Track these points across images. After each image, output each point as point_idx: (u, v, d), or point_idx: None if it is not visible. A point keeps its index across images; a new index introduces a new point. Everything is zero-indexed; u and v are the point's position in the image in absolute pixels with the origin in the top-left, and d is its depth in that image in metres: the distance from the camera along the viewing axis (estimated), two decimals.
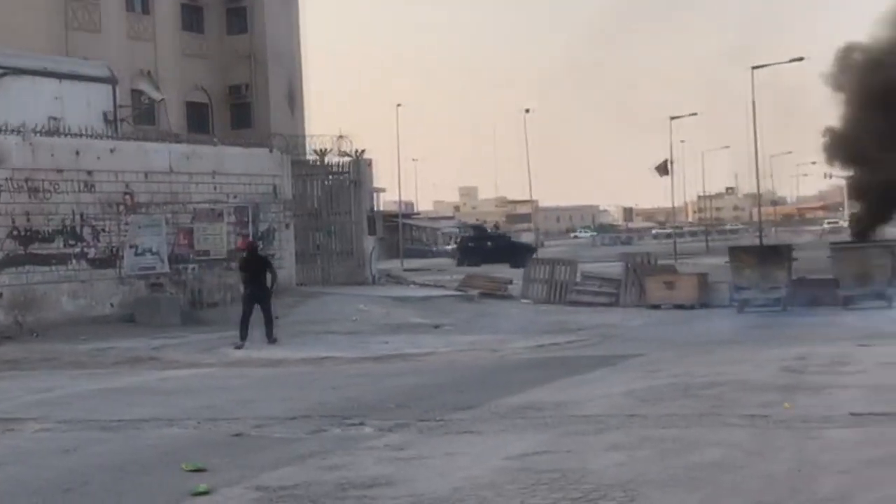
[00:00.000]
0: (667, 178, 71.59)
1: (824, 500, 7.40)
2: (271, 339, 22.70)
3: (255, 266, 23.21)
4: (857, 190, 36.81)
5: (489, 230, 78.20)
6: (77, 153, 26.84)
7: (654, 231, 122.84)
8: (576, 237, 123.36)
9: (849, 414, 10.66)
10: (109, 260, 27.38)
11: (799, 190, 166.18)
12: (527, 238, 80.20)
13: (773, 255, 30.31)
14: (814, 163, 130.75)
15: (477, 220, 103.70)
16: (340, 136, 35.78)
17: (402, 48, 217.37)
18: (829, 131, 34.78)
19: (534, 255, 45.02)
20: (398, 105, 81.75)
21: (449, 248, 78.04)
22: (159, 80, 46.60)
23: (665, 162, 71.00)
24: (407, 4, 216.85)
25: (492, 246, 65.04)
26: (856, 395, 11.91)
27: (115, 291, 27.43)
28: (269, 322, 22.88)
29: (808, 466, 8.49)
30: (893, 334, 16.92)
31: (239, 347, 21.86)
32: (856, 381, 13.07)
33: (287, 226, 31.63)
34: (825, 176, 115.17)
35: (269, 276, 23.08)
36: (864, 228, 33.69)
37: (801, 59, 50.66)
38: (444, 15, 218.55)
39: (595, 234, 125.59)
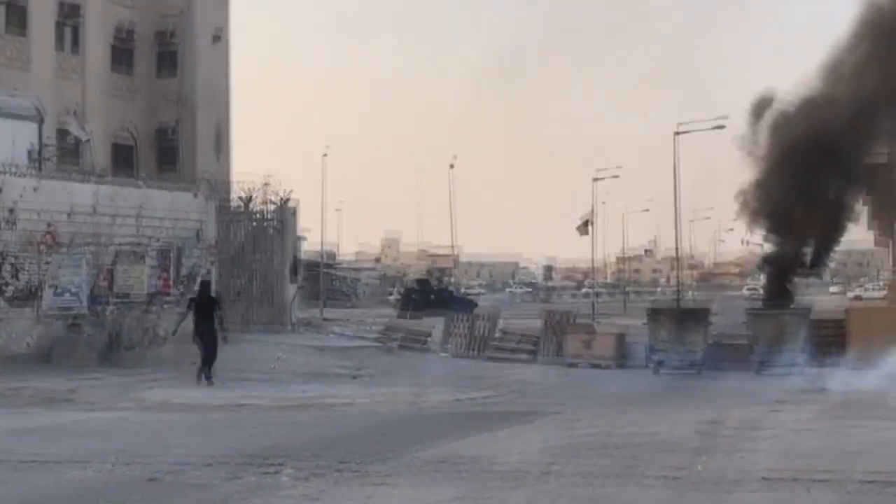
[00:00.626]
0: (588, 237, 72.42)
1: None
2: (208, 379, 22.98)
3: (206, 306, 23.67)
4: (767, 258, 37.66)
5: (433, 283, 79.34)
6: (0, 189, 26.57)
7: (584, 289, 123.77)
8: (511, 292, 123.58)
9: (760, 478, 10.85)
10: (28, 298, 27.05)
11: (717, 254, 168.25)
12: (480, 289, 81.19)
13: (690, 318, 30.70)
14: (731, 229, 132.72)
15: (428, 271, 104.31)
16: (266, 182, 35.82)
17: (332, 95, 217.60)
18: (743, 194, 35.51)
19: (475, 310, 45.41)
20: (324, 154, 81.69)
21: (391, 297, 78.46)
22: (86, 118, 46.27)
23: (587, 221, 71.84)
24: (338, 50, 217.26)
25: (434, 299, 66.49)
26: (767, 459, 12.11)
27: (33, 330, 27.08)
28: (209, 362, 23.17)
29: None
30: (805, 399, 17.23)
31: (211, 384, 22.67)
32: (768, 445, 13.29)
33: (209, 270, 31.48)
34: (742, 242, 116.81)
35: (217, 317, 23.48)
36: (776, 293, 34.37)
37: (722, 126, 51.53)
38: (377, 61, 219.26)
39: (528, 289, 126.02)
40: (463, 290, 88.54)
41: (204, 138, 52.69)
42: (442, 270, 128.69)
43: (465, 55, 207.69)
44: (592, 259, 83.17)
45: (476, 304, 62.74)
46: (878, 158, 43.24)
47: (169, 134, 52.24)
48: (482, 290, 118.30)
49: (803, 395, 17.85)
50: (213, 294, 25.45)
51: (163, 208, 30.33)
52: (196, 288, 26.28)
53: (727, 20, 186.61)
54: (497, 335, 34.36)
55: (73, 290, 27.77)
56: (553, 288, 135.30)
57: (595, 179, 77.60)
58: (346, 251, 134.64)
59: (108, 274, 28.73)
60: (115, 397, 20.86)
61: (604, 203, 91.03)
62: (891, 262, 59.51)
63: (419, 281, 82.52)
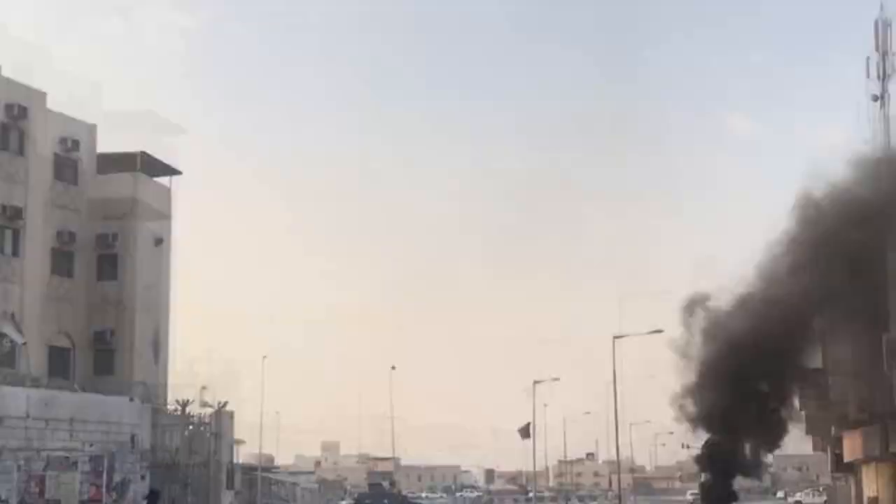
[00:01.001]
0: (528, 441, 72.28)
1: None
2: None
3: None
4: (701, 459, 37.53)
5: (385, 488, 78.96)
6: None
7: (529, 494, 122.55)
8: (462, 496, 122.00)
9: None
10: None
11: (657, 459, 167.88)
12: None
13: None
14: (671, 433, 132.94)
15: (389, 480, 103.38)
16: (203, 387, 35.60)
17: (271, 301, 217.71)
18: (680, 397, 35.61)
19: None
20: (264, 357, 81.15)
21: (343, 502, 77.65)
22: (24, 322, 45.96)
23: (527, 425, 71.78)
24: (282, 257, 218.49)
25: (388, 503, 67.42)
26: None
27: None
28: None
29: None
30: None
31: None
32: None
33: (143, 477, 30.98)
34: (682, 446, 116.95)
35: None
36: (720, 497, 34.21)
37: (660, 331, 52.13)
38: (315, 270, 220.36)
39: (479, 493, 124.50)
40: (422, 495, 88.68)
41: (142, 342, 52.39)
42: (386, 475, 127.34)
43: (398, 263, 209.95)
44: (534, 463, 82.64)
45: None
46: (813, 363, 43.93)
47: (107, 337, 51.86)
48: (441, 494, 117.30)
49: None
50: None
51: (97, 414, 30.02)
52: (144, 498, 27.18)
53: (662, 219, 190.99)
54: None
55: (3, 498, 27.18)
56: (497, 492, 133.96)
57: (535, 383, 77.84)
58: (284, 460, 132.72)
59: (39, 481, 28.19)
60: None
61: (545, 406, 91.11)
62: (829, 469, 59.67)
63: (372, 486, 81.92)
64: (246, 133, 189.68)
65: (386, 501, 68.11)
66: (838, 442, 51.91)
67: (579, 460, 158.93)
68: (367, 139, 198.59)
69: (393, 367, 77.26)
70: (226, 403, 35.18)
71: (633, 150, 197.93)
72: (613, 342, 57.50)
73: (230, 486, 34.71)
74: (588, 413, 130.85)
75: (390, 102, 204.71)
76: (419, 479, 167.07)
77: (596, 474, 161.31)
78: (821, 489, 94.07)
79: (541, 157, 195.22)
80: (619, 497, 63.27)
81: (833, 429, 50.61)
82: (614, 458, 74.64)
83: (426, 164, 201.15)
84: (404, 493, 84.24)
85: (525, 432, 71.23)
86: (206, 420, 34.98)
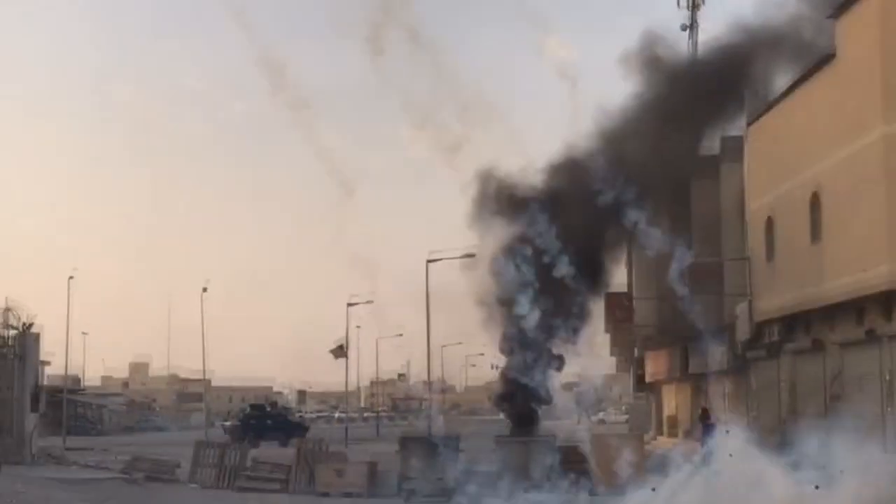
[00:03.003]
0: (341, 361, 72.53)
1: None
2: None
3: None
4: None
5: (268, 408, 78.64)
6: None
7: (337, 414, 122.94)
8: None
9: None
10: None
11: (468, 380, 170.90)
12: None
13: (441, 446, 30.98)
14: (481, 354, 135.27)
15: (271, 401, 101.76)
16: (7, 308, 34.52)
17: (78, 215, 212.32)
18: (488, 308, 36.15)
19: (307, 433, 45.84)
20: (70, 277, 79.19)
21: (226, 423, 76.04)
22: None
23: (341, 346, 72.00)
24: (85, 169, 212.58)
25: (272, 423, 67.49)
26: None
27: None
28: None
29: None
30: None
31: None
32: None
33: None
34: (491, 367, 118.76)
35: None
36: (522, 418, 35.08)
37: (472, 255, 52.77)
38: (123, 184, 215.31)
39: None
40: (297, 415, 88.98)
41: None
42: (196, 396, 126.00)
43: (214, 176, 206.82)
44: (346, 383, 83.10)
45: (308, 429, 64.03)
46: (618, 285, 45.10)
47: None
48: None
49: None
50: None
51: None
52: None
53: None
54: (248, 465, 33.81)
55: None
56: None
57: (350, 305, 78.05)
58: (93, 377, 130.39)
59: None
60: None
61: (358, 327, 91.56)
62: (631, 388, 61.74)
63: (253, 406, 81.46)
64: None
65: (269, 422, 68.37)
66: (640, 363, 53.79)
67: (391, 380, 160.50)
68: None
69: (205, 289, 76.19)
70: (31, 325, 34.22)
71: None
72: (427, 265, 57.93)
73: (34, 408, 33.89)
74: (401, 335, 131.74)
75: None
76: (230, 399, 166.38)
77: (407, 395, 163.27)
78: (623, 408, 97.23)
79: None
80: (430, 419, 63.97)
81: (636, 350, 52.36)
82: (426, 378, 75.62)
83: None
84: (291, 413, 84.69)
85: (338, 353, 71.40)
86: (10, 342, 33.97)
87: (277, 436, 60.63)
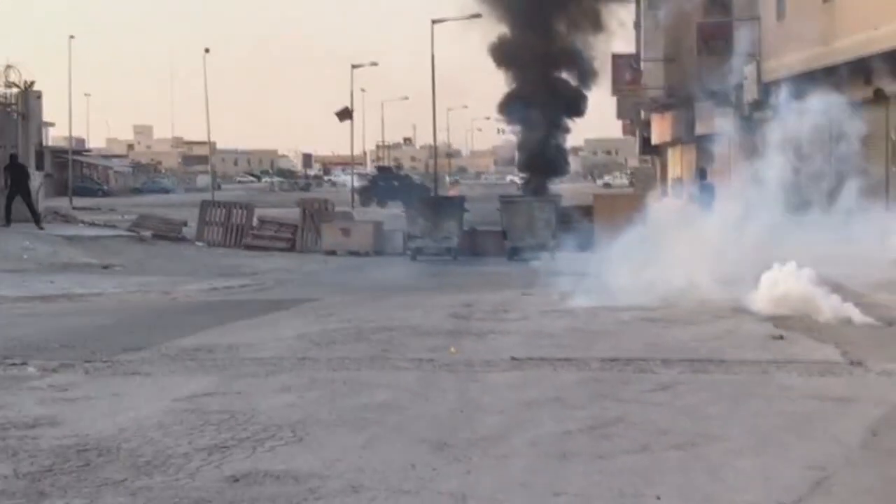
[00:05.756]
0: (346, 126, 72.41)
1: (484, 439, 7.75)
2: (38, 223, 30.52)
3: (18, 170, 30.65)
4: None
5: (394, 170, 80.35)
6: None
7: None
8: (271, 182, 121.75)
9: (510, 358, 11.16)
10: None
11: (473, 144, 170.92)
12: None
13: (446, 207, 31.19)
14: (488, 118, 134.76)
15: (394, 161, 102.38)
16: (9, 66, 34.10)
17: None
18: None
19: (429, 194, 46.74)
20: (71, 36, 78.25)
21: (352, 185, 76.52)
22: None
23: (346, 108, 71.66)
24: None
25: (398, 185, 69.19)
26: (517, 341, 12.46)
27: None
28: (34, 210, 30.89)
29: (469, 407, 8.86)
30: (552, 284, 17.76)
31: (5, 226, 29.34)
32: (517, 328, 13.67)
33: None
34: (498, 131, 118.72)
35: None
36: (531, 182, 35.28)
37: (478, 16, 51.88)
38: None
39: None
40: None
41: None
42: (201, 159, 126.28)
43: None
44: (352, 147, 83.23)
45: (430, 190, 64.77)
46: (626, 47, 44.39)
47: None
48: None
49: (551, 279, 18.39)
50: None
51: None
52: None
53: None
54: (254, 225, 34.12)
55: None
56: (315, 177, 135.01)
57: (354, 67, 77.39)
58: (97, 140, 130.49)
59: None
60: None
61: (363, 91, 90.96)
62: (636, 151, 61.70)
63: (380, 168, 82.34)
64: None
65: (396, 184, 69.57)
66: (647, 126, 53.46)
67: (397, 145, 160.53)
68: None
69: (207, 50, 75.41)
70: (33, 83, 33.88)
71: None
72: (431, 26, 57.05)
73: (40, 167, 33.93)
74: (406, 98, 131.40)
75: None
76: (235, 163, 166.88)
77: (413, 158, 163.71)
78: (629, 172, 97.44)
79: None
80: (435, 181, 64.26)
81: (642, 113, 51.96)
82: (431, 143, 75.63)
83: None
84: (414, 177, 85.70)
85: (343, 115, 71.08)
86: (13, 101, 33.70)
87: (403, 197, 60.65)
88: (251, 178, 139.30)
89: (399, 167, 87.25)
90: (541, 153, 37.24)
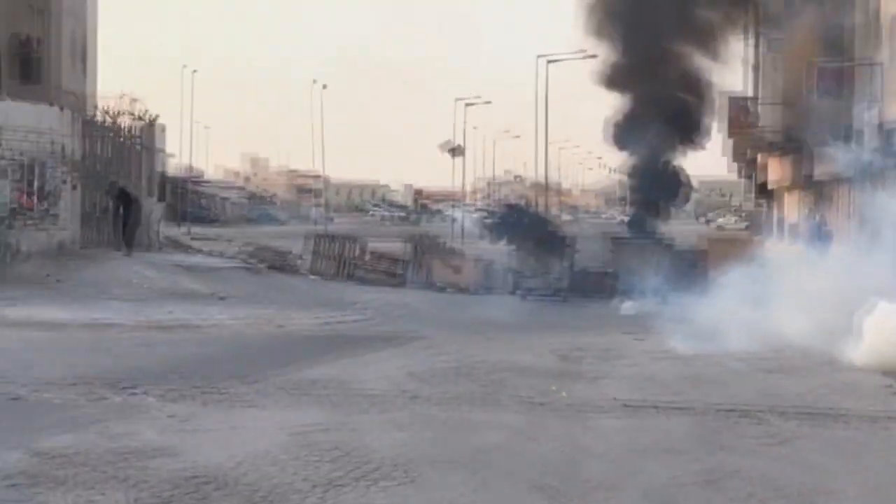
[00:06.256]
0: (455, 161, 72.81)
1: (595, 487, 7.75)
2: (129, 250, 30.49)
3: (126, 198, 31.26)
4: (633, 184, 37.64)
5: (523, 207, 79.36)
6: None
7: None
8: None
9: (621, 404, 11.13)
10: None
11: (583, 182, 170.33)
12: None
13: (556, 246, 31.13)
14: (599, 157, 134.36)
15: (524, 200, 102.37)
16: (133, 99, 35.03)
17: (199, 12, 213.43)
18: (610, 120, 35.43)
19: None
20: (193, 70, 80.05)
21: (462, 221, 76.01)
22: None
23: (458, 145, 72.09)
24: None
25: (528, 222, 66.91)
26: (627, 386, 12.41)
27: None
28: (132, 238, 31.02)
29: (580, 453, 8.86)
30: (665, 328, 17.63)
31: (127, 255, 30.01)
32: (628, 373, 13.62)
33: (74, 186, 30.80)
34: (608, 170, 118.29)
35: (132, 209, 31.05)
36: (640, 222, 34.83)
37: (593, 56, 51.89)
38: None
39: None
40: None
41: (69, 51, 51.19)
42: (314, 191, 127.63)
43: None
44: (463, 182, 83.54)
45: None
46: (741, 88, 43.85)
47: (32, 45, 50.58)
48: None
49: (662, 323, 18.26)
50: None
51: (25, 123, 29.48)
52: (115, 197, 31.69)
53: None
54: (365, 258, 34.41)
55: None
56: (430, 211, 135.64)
57: (466, 104, 77.81)
58: (213, 174, 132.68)
59: None
60: None
61: (475, 128, 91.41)
62: (751, 194, 60.94)
63: (509, 205, 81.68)
64: None
65: (526, 220, 67.43)
66: (762, 168, 52.77)
67: (507, 182, 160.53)
68: None
69: (324, 87, 76.64)
70: (156, 116, 34.74)
71: None
72: (546, 65, 57.23)
73: (161, 198, 34.68)
74: (518, 136, 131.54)
75: None
76: (348, 195, 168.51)
77: (521, 196, 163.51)
78: (742, 214, 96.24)
79: None
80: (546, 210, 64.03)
81: (758, 156, 51.36)
82: (541, 180, 75.59)
83: None
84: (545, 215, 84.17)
85: (453, 150, 71.46)
86: (136, 132, 34.56)
87: (532, 235, 58.80)
88: (374, 208, 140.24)
89: (528, 204, 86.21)
90: (656, 177, 36.06)
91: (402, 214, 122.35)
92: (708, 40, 35.68)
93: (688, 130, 36.27)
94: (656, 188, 35.57)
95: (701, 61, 35.38)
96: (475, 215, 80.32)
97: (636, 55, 35.01)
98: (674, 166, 36.53)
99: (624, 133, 35.77)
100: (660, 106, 34.20)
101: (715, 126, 40.74)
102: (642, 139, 34.95)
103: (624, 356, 15.36)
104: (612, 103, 36.52)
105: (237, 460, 8.33)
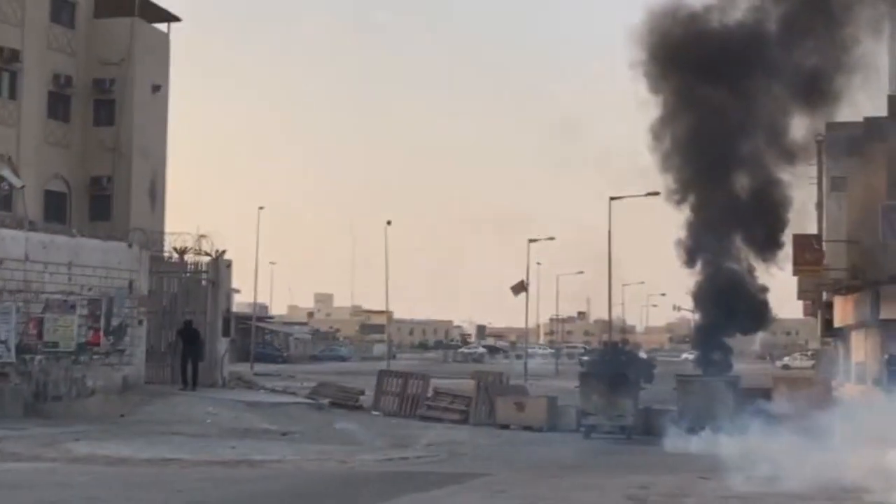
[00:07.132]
0: (519, 298, 72.84)
1: None
2: (194, 387, 31.17)
3: (191, 334, 32.05)
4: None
5: (621, 346, 76.82)
6: None
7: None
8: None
9: None
10: None
11: (648, 320, 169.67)
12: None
13: (621, 384, 30.84)
14: (663, 294, 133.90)
15: (621, 339, 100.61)
16: (201, 236, 35.54)
17: (268, 151, 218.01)
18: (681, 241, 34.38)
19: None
20: (261, 207, 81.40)
21: (524, 359, 73.91)
22: (20, 166, 45.78)
23: (521, 282, 72.23)
24: (271, 110, 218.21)
25: (625, 362, 63.50)
26: None
27: None
28: (195, 374, 31.61)
29: None
30: (732, 468, 17.32)
31: (182, 389, 30.71)
32: None
33: (140, 322, 31.18)
34: (674, 308, 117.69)
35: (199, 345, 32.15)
36: (708, 360, 34.13)
37: (657, 193, 52.18)
38: (308, 120, 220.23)
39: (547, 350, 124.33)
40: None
41: (139, 189, 52.38)
42: (379, 328, 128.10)
43: (397, 117, 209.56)
44: (526, 319, 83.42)
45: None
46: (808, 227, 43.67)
47: (103, 184, 51.83)
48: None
49: (729, 463, 17.95)
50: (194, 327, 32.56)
51: (95, 259, 30.04)
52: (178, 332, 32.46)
53: None
54: (429, 395, 34.34)
55: (2, 339, 27.37)
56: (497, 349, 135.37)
57: (530, 241, 78.17)
58: (278, 310, 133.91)
59: (38, 323, 28.33)
60: (41, 449, 20.56)
61: (539, 264, 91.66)
62: (818, 333, 60.31)
63: (605, 343, 79.35)
64: None
65: (623, 359, 65.00)
66: (829, 307, 52.34)
67: (570, 319, 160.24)
68: None
69: (389, 223, 77.43)
70: (223, 252, 35.19)
71: None
72: (609, 202, 57.53)
73: (227, 333, 34.96)
74: (581, 273, 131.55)
75: None
76: (411, 332, 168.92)
77: (586, 333, 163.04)
78: (809, 353, 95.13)
79: None
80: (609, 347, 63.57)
81: (824, 294, 50.97)
82: (605, 317, 75.29)
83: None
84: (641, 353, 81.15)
85: (518, 289, 71.63)
86: (204, 268, 35.03)
87: (633, 375, 56.58)
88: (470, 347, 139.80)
89: (626, 342, 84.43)
90: (735, 293, 33.95)
91: (463, 353, 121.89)
92: (784, 154, 34.68)
93: (763, 244, 34.75)
94: (734, 306, 33.68)
95: (775, 173, 34.27)
96: (540, 352, 79.74)
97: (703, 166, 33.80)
98: (755, 288, 34.57)
99: (695, 238, 34.09)
100: (734, 217, 33.11)
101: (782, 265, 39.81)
102: (715, 249, 33.33)
103: (691, 496, 15.10)
104: (679, 224, 35.21)
105: None
